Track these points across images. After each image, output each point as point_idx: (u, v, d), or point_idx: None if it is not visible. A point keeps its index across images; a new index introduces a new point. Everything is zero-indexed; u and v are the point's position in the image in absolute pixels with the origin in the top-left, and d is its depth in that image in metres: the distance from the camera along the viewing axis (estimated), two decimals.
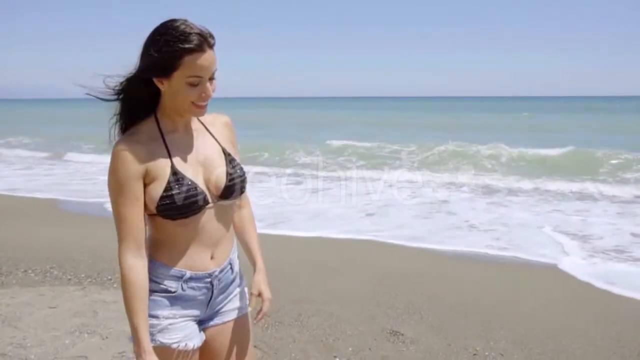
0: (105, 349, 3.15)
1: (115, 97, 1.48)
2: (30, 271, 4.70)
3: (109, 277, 4.56)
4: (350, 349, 3.28)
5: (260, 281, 1.66)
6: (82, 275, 4.61)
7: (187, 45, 1.33)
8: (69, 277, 4.59)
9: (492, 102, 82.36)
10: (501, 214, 7.53)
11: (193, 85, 1.38)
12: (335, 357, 3.17)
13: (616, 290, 4.36)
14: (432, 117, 34.99)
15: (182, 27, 1.35)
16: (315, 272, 4.83)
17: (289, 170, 11.98)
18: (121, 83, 1.45)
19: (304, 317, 3.75)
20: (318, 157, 13.84)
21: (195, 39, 1.34)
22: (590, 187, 9.76)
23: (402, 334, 3.50)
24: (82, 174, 11.87)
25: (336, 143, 16.25)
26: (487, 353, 3.27)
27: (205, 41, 1.36)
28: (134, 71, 1.43)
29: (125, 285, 1.40)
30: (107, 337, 3.31)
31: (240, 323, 1.65)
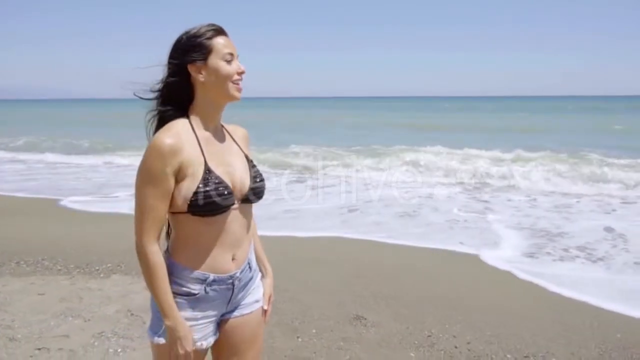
0: (87, 330, 3.41)
1: (157, 92, 1.59)
2: (22, 262, 4.97)
3: (97, 268, 4.82)
4: (313, 331, 3.55)
5: (271, 285, 1.85)
6: (72, 266, 4.87)
7: (212, 29, 1.55)
8: (59, 267, 4.85)
9: (491, 102, 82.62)
10: (482, 212, 7.78)
11: (228, 61, 1.54)
12: (298, 337, 3.43)
13: (553, 287, 4.55)
14: (426, 118, 35.30)
15: (199, 26, 1.56)
16: (294, 265, 5.07)
17: None
18: (161, 81, 1.57)
19: (276, 304, 3.98)
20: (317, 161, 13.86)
21: (214, 26, 1.56)
22: (576, 186, 10.03)
23: (365, 319, 3.76)
24: (75, 173, 12.16)
25: (296, 148, 15.71)
26: (441, 335, 3.53)
27: (221, 28, 1.57)
28: (170, 67, 1.55)
29: (151, 269, 1.48)
30: (89, 320, 3.58)
31: (257, 315, 1.73)
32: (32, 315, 3.65)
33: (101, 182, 10.64)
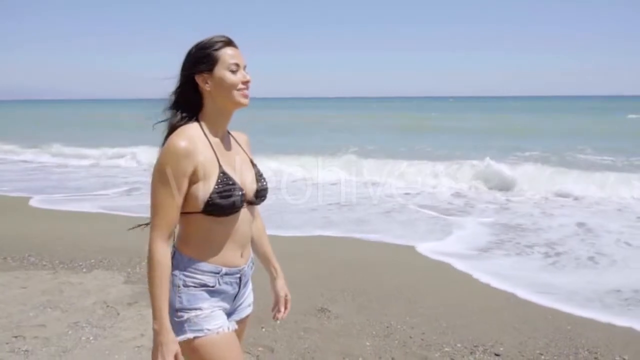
0: (63, 320, 3.62)
1: (170, 102, 1.67)
2: (9, 258, 5.18)
3: (80, 264, 5.03)
4: (277, 321, 3.73)
5: (284, 285, 1.97)
6: (56, 262, 5.08)
7: (220, 41, 1.64)
8: (44, 263, 5.06)
9: (489, 102, 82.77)
10: (464, 210, 7.98)
11: (233, 72, 1.62)
12: (262, 327, 3.63)
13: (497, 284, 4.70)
14: (421, 119, 35.49)
15: (209, 38, 1.65)
16: None
17: None
18: (173, 92, 1.66)
19: None
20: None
21: (223, 38, 1.65)
22: (565, 185, 10.18)
23: (330, 311, 3.96)
24: (72, 172, 12.39)
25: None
26: (399, 326, 3.72)
27: (230, 40, 1.66)
28: (180, 78, 1.65)
29: (156, 268, 1.52)
30: (66, 311, 3.79)
31: (248, 319, 1.85)
32: (13, 307, 3.86)
33: (97, 182, 10.87)
